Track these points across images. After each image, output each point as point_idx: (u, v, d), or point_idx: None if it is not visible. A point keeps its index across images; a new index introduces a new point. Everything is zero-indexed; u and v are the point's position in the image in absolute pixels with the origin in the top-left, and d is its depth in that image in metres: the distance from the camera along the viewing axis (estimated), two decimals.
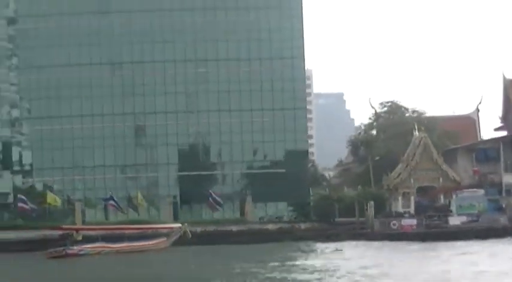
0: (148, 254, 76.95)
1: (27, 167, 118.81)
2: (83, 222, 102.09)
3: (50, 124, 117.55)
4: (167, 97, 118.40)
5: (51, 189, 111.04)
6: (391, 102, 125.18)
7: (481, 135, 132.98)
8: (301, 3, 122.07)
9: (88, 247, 77.74)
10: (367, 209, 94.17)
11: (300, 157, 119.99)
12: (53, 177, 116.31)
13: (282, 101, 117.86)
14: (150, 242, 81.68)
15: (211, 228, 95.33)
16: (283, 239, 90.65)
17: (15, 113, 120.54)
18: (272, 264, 57.79)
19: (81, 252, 76.62)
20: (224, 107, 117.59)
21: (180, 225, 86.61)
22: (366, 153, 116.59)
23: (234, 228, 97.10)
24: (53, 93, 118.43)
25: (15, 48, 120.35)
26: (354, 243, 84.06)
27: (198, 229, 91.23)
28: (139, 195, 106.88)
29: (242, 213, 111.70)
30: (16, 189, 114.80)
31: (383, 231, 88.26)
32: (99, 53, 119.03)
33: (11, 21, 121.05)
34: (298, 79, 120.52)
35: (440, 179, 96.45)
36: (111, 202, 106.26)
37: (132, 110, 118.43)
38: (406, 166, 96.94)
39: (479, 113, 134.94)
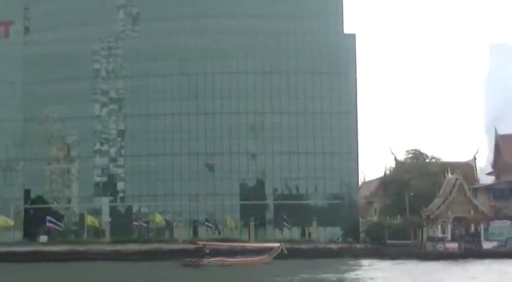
0: (257, 266, 77.84)
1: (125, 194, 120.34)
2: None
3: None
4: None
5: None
6: (415, 150, 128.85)
7: (479, 178, 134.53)
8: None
9: (213, 260, 78.24)
10: (417, 234, 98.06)
11: (352, 191, 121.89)
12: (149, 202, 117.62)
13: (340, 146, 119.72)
14: (258, 258, 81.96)
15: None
16: (343, 256, 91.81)
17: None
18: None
19: (209, 264, 77.21)
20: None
21: (278, 244, 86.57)
22: (398, 190, 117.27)
23: (304, 246, 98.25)
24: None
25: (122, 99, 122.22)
26: (409, 261, 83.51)
27: None
28: (229, 219, 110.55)
29: (306, 234, 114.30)
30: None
31: (432, 252, 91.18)
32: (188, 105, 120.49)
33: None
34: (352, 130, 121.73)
35: (471, 211, 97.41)
36: (207, 223, 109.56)
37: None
38: (444, 201, 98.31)
39: (476, 161, 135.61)
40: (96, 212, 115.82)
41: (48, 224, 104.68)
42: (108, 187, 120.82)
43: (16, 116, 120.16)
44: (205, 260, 78.05)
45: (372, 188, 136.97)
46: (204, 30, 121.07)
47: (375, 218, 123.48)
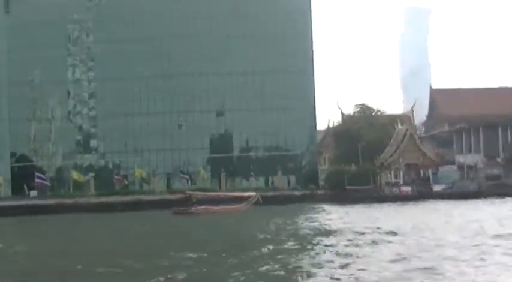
0: (238, 213, 76.99)
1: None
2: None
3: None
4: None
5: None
6: (363, 104, 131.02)
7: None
8: None
9: (200, 208, 78.19)
10: (375, 180, 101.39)
11: (310, 142, 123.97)
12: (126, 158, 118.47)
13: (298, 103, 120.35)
14: (238, 205, 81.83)
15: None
16: (306, 201, 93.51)
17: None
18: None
19: (197, 212, 77.15)
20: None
21: (254, 193, 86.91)
22: (349, 140, 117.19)
23: (270, 194, 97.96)
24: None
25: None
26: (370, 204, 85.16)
27: None
28: (202, 171, 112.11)
29: (269, 183, 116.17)
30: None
31: (389, 195, 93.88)
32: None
33: None
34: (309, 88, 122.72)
35: (421, 158, 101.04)
36: (183, 175, 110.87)
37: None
38: (396, 149, 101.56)
39: (413, 113, 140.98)
40: (78, 168, 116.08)
41: (36, 180, 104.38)
42: (87, 145, 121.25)
43: (1, 80, 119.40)
44: (193, 208, 78.23)
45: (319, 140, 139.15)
46: None
47: (326, 167, 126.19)
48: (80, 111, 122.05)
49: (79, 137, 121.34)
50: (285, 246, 36.64)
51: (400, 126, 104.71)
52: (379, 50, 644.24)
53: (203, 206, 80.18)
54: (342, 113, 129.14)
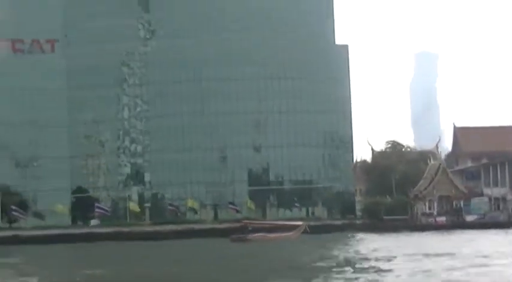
0: (291, 241, 77.78)
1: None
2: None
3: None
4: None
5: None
6: (393, 141, 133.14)
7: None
8: None
9: (256, 235, 78.96)
10: (412, 210, 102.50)
11: (347, 175, 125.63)
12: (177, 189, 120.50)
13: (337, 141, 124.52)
14: (289, 233, 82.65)
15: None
16: (346, 230, 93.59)
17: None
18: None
19: (253, 239, 77.46)
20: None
21: (302, 222, 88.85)
22: (382, 174, 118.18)
23: (312, 223, 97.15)
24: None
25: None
26: (409, 233, 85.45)
27: None
28: (249, 201, 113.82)
29: (310, 212, 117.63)
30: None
31: (425, 224, 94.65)
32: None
33: None
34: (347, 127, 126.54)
35: (453, 191, 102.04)
36: (232, 206, 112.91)
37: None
38: (430, 182, 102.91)
39: (438, 149, 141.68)
40: (132, 199, 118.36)
41: (96, 209, 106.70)
42: (141, 177, 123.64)
43: (61, 119, 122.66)
44: (249, 235, 78.88)
45: None
46: (215, 43, 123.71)
47: (359, 198, 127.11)
48: (133, 146, 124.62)
49: (133, 171, 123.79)
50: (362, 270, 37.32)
51: (432, 161, 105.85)
52: (391, 92, 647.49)
53: (259, 234, 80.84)
54: (372, 149, 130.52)
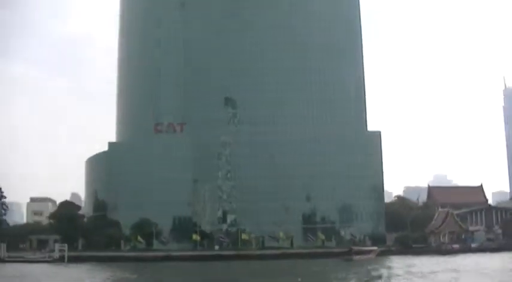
0: (373, 261, 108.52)
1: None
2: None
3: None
4: None
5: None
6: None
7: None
8: None
9: (357, 257, 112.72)
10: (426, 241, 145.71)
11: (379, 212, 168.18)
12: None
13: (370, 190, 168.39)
14: (372, 255, 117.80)
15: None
16: (385, 254, 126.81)
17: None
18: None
19: (356, 259, 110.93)
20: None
21: (376, 247, 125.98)
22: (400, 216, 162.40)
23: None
24: None
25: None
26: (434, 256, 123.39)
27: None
28: (320, 235, 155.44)
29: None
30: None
31: (445, 250, 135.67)
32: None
33: None
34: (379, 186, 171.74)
35: (458, 228, 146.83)
36: (310, 236, 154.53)
37: None
38: (442, 223, 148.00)
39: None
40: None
41: (220, 238, 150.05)
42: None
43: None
44: (355, 257, 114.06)
45: None
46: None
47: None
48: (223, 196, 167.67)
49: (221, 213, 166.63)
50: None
51: (441, 209, 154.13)
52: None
53: (360, 256, 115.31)
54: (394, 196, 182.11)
